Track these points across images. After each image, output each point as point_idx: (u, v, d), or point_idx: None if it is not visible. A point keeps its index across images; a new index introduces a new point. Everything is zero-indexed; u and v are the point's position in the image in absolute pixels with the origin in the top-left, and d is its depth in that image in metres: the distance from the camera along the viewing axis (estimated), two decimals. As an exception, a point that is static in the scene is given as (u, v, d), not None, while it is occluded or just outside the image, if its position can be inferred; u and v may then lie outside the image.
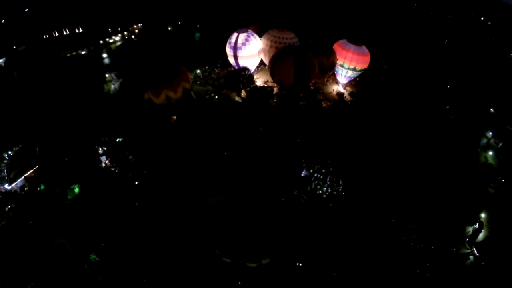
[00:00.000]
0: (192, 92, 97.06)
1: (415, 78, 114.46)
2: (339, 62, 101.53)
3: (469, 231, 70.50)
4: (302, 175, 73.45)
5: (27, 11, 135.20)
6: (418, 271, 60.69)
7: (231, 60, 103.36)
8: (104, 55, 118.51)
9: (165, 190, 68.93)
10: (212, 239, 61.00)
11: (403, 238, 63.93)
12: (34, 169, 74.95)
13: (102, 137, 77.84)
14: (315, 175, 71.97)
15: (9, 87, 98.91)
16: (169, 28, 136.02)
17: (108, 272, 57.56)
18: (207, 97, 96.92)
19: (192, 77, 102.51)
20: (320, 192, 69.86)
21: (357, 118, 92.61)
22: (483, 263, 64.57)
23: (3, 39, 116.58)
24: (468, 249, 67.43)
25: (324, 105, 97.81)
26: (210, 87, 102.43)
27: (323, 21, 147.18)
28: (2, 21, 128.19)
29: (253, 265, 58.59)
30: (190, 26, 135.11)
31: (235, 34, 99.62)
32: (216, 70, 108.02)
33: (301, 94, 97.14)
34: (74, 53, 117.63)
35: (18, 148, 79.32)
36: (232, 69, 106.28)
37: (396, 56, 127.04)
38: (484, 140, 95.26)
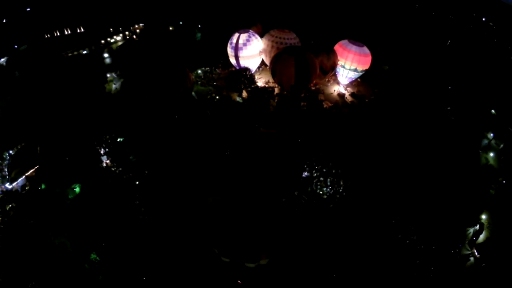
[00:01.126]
0: (193, 93, 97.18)
1: (417, 79, 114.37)
2: (340, 62, 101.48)
3: (470, 232, 70.41)
4: (303, 175, 73.39)
5: (29, 10, 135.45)
6: (418, 272, 60.57)
7: (232, 61, 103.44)
8: (106, 55, 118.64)
9: (165, 190, 69.02)
10: (211, 239, 61.11)
11: (402, 237, 63.89)
12: (35, 169, 75.10)
13: (103, 136, 77.95)
14: (316, 174, 71.92)
15: (11, 87, 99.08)
16: (171, 28, 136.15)
17: (108, 272, 57.63)
18: (208, 97, 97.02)
19: (193, 77, 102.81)
20: (321, 192, 69.82)
21: (358, 119, 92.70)
22: (483, 265, 64.46)
23: (5, 39, 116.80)
24: (468, 250, 67.33)
25: (325, 106, 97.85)
26: (211, 88, 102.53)
27: (324, 21, 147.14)
28: (4, 21, 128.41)
29: (252, 265, 58.64)
30: (191, 26, 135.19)
31: (236, 34, 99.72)
32: (218, 71, 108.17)
33: (302, 95, 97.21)
34: (75, 53, 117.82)
35: (19, 147, 79.44)
36: (233, 69, 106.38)
37: (398, 57, 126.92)
38: (485, 141, 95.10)
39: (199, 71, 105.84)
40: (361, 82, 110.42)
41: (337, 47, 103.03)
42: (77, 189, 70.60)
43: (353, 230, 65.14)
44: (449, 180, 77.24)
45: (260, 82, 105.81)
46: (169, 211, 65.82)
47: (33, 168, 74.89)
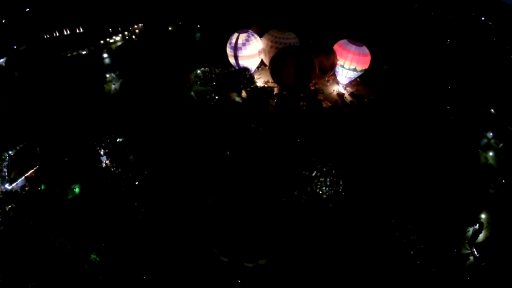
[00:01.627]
0: (192, 93, 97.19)
1: (416, 79, 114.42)
2: (339, 62, 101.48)
3: (469, 232, 70.48)
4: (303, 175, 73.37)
5: (28, 11, 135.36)
6: (418, 272, 60.62)
7: (232, 61, 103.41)
8: (105, 55, 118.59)
9: (165, 190, 69.02)
10: (211, 239, 61.19)
11: (401, 237, 63.92)
12: (35, 169, 75.06)
13: (103, 137, 77.91)
14: (316, 174, 71.91)
15: (10, 87, 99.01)
16: (170, 28, 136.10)
17: (108, 272, 57.64)
18: (207, 97, 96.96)
19: (192, 77, 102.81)
20: (320, 192, 69.82)
21: (357, 118, 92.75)
22: (483, 264, 64.52)
23: (4, 39, 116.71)
24: (468, 249, 67.40)
25: (324, 105, 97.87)
26: (210, 88, 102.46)
27: (324, 21, 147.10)
28: (3, 21, 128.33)
29: (250, 265, 58.69)
30: (190, 26, 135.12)
31: (236, 34, 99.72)
32: (217, 71, 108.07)
33: (302, 95, 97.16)
34: (74, 53, 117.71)
35: (19, 148, 79.37)
36: (233, 69, 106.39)
37: (397, 57, 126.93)
38: (485, 141, 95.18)
39: (199, 71, 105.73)
40: (361, 81, 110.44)
41: (336, 47, 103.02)
42: (77, 190, 70.58)
43: (353, 230, 65.17)
44: (449, 180, 77.31)
45: (260, 82, 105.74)
46: (169, 211, 65.82)
47: (32, 169, 74.85)
